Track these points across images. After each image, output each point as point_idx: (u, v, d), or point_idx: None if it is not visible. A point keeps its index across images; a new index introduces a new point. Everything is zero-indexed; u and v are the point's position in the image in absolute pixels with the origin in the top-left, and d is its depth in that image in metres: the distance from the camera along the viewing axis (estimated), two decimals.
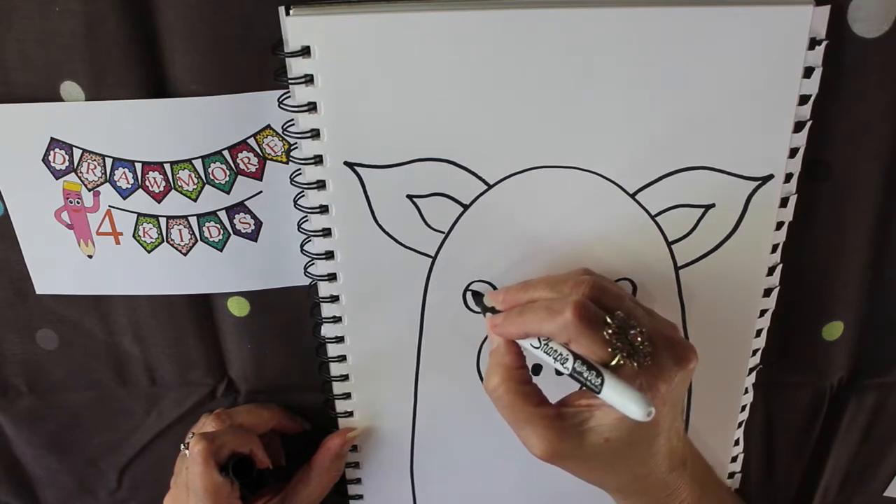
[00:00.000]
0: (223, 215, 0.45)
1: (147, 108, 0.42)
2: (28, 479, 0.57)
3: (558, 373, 0.37)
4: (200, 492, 0.44)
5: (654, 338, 0.37)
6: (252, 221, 0.45)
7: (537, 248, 0.44)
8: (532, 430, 0.37)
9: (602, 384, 0.35)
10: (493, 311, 0.42)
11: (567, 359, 0.36)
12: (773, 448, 0.55)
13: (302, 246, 0.45)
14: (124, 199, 0.45)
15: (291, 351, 0.50)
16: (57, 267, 0.47)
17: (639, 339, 0.36)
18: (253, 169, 0.44)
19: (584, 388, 0.36)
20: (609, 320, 0.36)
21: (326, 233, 0.43)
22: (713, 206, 0.43)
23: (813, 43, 0.39)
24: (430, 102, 0.40)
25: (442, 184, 0.42)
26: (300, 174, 0.43)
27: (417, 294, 0.45)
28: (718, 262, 0.44)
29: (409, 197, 0.42)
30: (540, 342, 0.38)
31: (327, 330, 0.47)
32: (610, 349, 0.35)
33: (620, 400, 0.34)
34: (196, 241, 0.46)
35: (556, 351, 0.37)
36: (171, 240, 0.46)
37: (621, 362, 0.35)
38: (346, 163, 0.41)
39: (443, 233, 0.43)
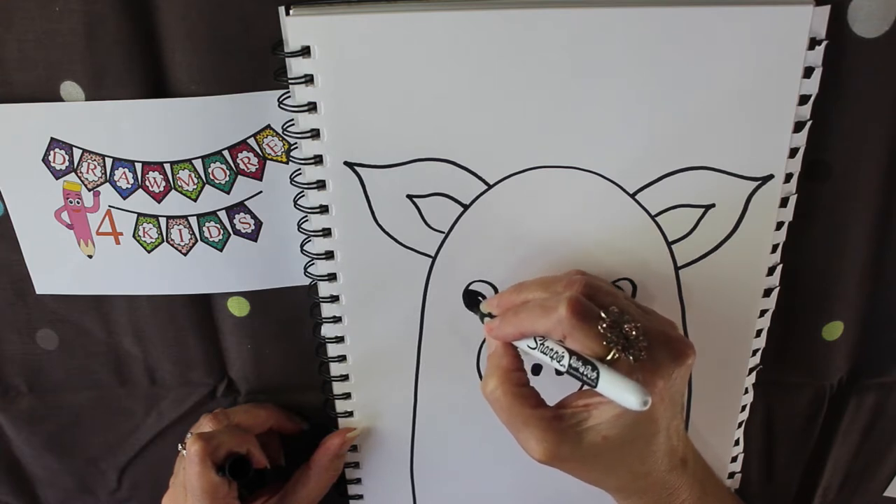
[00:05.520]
0: (223, 215, 0.45)
1: (147, 108, 0.42)
2: (28, 479, 0.57)
3: (558, 373, 0.37)
4: (197, 492, 0.44)
5: (650, 334, 0.37)
6: (252, 221, 0.45)
7: (537, 248, 0.44)
8: (530, 432, 0.37)
9: (598, 378, 0.35)
10: (491, 316, 0.42)
11: (563, 356, 0.36)
12: (773, 448, 0.55)
13: (302, 246, 0.45)
14: (124, 199, 0.45)
15: (291, 351, 0.50)
16: (57, 267, 0.47)
17: (633, 332, 0.36)
18: (253, 169, 0.44)
19: (581, 385, 0.36)
20: (603, 315, 0.36)
21: (326, 233, 0.43)
22: (713, 206, 0.43)
23: (813, 43, 0.39)
24: (430, 102, 0.40)
25: (442, 184, 0.42)
26: (300, 174, 0.43)
27: (417, 294, 0.45)
28: (718, 262, 0.44)
29: (409, 197, 0.42)
30: (536, 342, 0.38)
31: (327, 330, 0.47)
32: (605, 343, 0.35)
33: (616, 391, 0.34)
34: (196, 241, 0.46)
35: (552, 349, 0.37)
36: (171, 240, 0.46)
37: (616, 356, 0.35)
38: (346, 163, 0.41)
39: (443, 233, 0.43)
